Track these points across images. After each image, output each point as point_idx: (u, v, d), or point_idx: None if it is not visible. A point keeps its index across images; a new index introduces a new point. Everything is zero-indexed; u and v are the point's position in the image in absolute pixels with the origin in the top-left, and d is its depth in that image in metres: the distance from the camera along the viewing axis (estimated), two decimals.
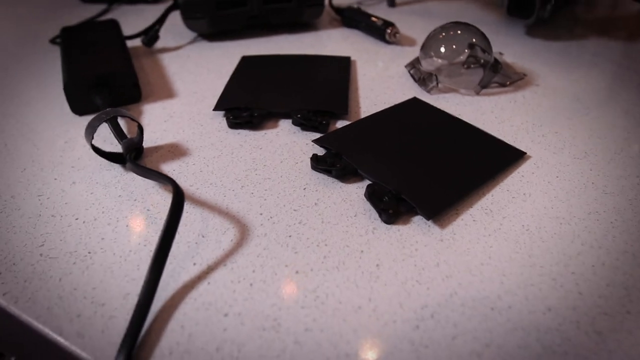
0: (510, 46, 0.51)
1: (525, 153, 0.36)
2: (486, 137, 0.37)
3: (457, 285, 0.27)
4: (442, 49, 0.42)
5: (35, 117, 0.41)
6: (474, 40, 0.41)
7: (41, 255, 0.29)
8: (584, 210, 0.31)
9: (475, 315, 0.25)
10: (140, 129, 0.36)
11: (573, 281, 0.27)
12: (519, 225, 0.30)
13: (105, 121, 0.35)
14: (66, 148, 0.38)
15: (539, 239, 0.29)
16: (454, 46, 0.41)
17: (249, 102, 0.40)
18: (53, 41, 0.52)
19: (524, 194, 0.33)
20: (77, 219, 0.31)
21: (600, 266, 0.28)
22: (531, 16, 0.50)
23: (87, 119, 0.40)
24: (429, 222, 0.30)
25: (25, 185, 0.34)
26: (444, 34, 0.42)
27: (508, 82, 0.44)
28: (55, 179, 0.34)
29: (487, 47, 0.42)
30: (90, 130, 0.34)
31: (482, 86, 0.42)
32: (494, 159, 0.35)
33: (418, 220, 0.30)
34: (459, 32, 0.42)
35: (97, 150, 0.35)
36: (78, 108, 0.41)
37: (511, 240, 0.29)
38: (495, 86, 0.44)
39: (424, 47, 0.43)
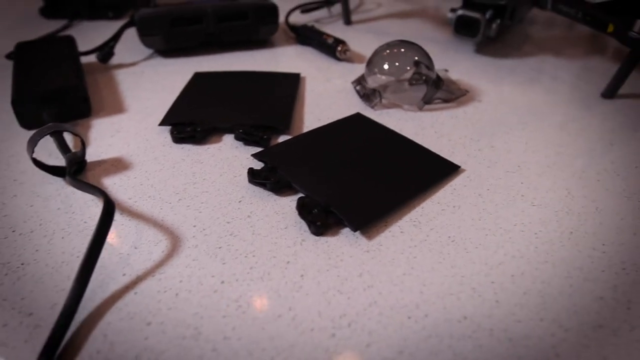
0: (458, 63, 0.53)
1: (459, 167, 0.37)
2: (423, 151, 0.38)
3: (377, 295, 0.27)
4: (386, 66, 0.43)
5: None
6: (416, 57, 0.43)
7: None
8: (510, 222, 0.33)
9: (391, 323, 0.26)
10: (83, 144, 0.36)
11: (492, 290, 0.28)
12: (445, 237, 0.31)
13: (51, 135, 0.36)
14: (11, 162, 0.38)
15: (463, 249, 0.30)
16: (397, 63, 0.43)
17: (193, 117, 0.41)
18: (9, 56, 0.52)
19: (454, 207, 0.34)
20: (13, 231, 0.31)
21: (520, 275, 0.29)
22: (476, 34, 0.51)
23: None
24: (357, 234, 0.31)
25: None
26: (388, 51, 0.44)
27: (451, 98, 0.45)
28: None
29: (430, 65, 0.43)
30: (31, 145, 0.34)
31: (425, 102, 0.44)
32: (427, 173, 0.36)
33: (346, 232, 0.31)
34: (402, 50, 0.43)
35: (38, 163, 0.35)
36: (27, 123, 0.41)
37: (435, 251, 0.30)
38: (439, 102, 0.45)
39: (369, 64, 0.44)
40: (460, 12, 0.52)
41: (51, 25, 0.62)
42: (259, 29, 0.53)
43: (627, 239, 0.31)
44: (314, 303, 0.27)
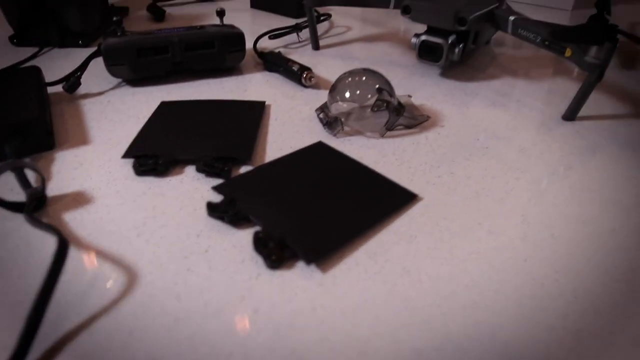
0: (423, 88, 0.54)
1: (417, 195, 0.38)
2: (381, 180, 0.39)
3: (328, 330, 0.28)
4: (348, 94, 0.44)
5: None
6: (378, 85, 0.43)
7: None
8: (466, 250, 0.33)
9: (341, 359, 0.26)
10: (43, 180, 0.36)
11: (443, 322, 0.28)
12: (399, 268, 0.32)
13: (11, 170, 0.36)
14: None
15: (417, 280, 0.31)
16: (358, 91, 0.43)
17: (156, 149, 0.41)
18: None
19: (410, 236, 0.34)
20: None
21: (472, 306, 0.29)
22: (439, 59, 0.52)
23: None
24: (312, 267, 0.31)
25: None
26: (350, 79, 0.44)
27: (413, 124, 0.46)
28: None
29: (391, 91, 0.44)
30: None
31: (387, 129, 0.44)
32: (385, 202, 0.36)
33: (301, 265, 0.31)
34: (364, 78, 0.44)
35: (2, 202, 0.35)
36: None
37: (389, 283, 0.30)
38: (401, 128, 0.46)
39: (331, 92, 0.45)
40: (423, 37, 0.53)
41: (20, 53, 0.62)
42: (225, 57, 0.54)
43: (581, 266, 0.32)
44: (266, 340, 0.27)
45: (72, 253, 0.33)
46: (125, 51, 0.50)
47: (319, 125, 0.46)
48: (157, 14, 0.72)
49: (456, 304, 0.29)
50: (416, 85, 0.55)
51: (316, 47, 0.63)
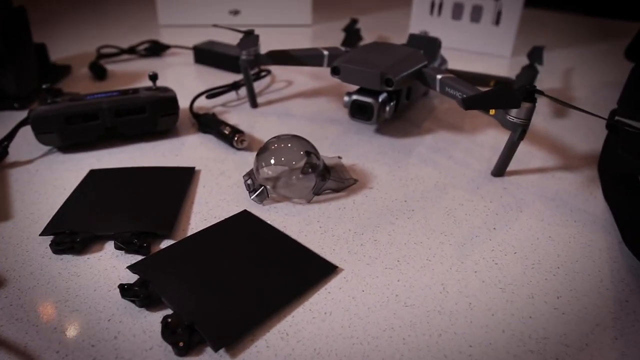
0: (356, 146, 0.54)
1: (337, 267, 0.37)
2: (303, 250, 0.38)
3: None
4: (273, 160, 0.44)
5: None
6: (306, 149, 0.43)
7: None
8: (380, 327, 0.33)
9: None
10: None
11: None
12: (310, 350, 0.31)
13: None
14: None
15: None
16: (284, 157, 0.44)
17: (75, 225, 0.40)
18: None
19: (325, 313, 0.34)
20: None
21: None
22: (371, 118, 0.53)
23: None
24: (221, 352, 0.31)
25: None
26: (275, 145, 0.44)
27: (341, 187, 0.46)
28: None
29: (316, 155, 0.44)
30: None
31: (315, 193, 0.44)
32: (304, 275, 0.36)
33: (211, 351, 0.31)
34: (289, 144, 0.44)
35: None
36: None
37: None
38: (329, 192, 0.46)
39: (258, 158, 0.45)
40: (354, 97, 0.53)
41: None
42: (158, 121, 0.54)
43: (495, 337, 0.32)
44: None
45: None
46: (53, 119, 0.50)
47: (245, 192, 0.46)
48: (99, 72, 0.72)
49: None
50: (350, 143, 0.55)
51: (254, 105, 0.63)
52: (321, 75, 0.77)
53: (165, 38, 0.96)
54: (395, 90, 0.52)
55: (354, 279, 0.37)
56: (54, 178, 0.49)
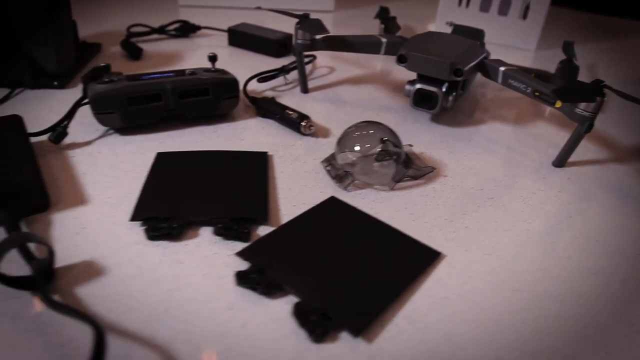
0: (418, 135, 0.55)
1: (440, 253, 0.38)
2: (403, 238, 0.39)
3: None
4: (357, 147, 0.43)
5: None
6: (385, 137, 0.43)
7: None
8: (497, 310, 0.34)
9: None
10: (51, 253, 0.33)
11: None
12: (440, 333, 0.32)
13: (19, 246, 0.33)
14: None
15: (459, 347, 0.31)
16: (368, 145, 0.43)
17: (167, 210, 0.39)
18: None
19: (442, 298, 0.34)
20: None
21: None
22: (434, 107, 0.53)
23: None
24: (357, 338, 0.31)
25: None
26: (357, 132, 0.44)
27: (419, 175, 0.46)
28: None
29: (397, 143, 0.44)
30: None
31: (396, 181, 0.45)
32: (412, 262, 0.37)
33: (345, 337, 0.31)
34: (371, 131, 0.44)
35: (5, 279, 0.32)
36: None
37: (433, 351, 0.30)
38: (408, 180, 0.46)
39: (339, 144, 0.45)
40: (418, 85, 0.54)
41: None
42: (219, 104, 0.52)
43: (604, 320, 0.33)
44: None
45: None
46: (115, 99, 0.48)
47: (326, 177, 0.46)
48: (133, 52, 0.69)
49: None
50: (411, 132, 0.55)
51: (305, 90, 0.63)
52: (362, 63, 0.77)
53: (187, 18, 0.93)
54: (456, 80, 0.53)
55: (458, 264, 0.37)
56: (120, 161, 0.47)
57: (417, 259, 0.37)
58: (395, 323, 0.32)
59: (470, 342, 0.31)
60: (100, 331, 0.27)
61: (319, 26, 0.55)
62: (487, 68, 0.53)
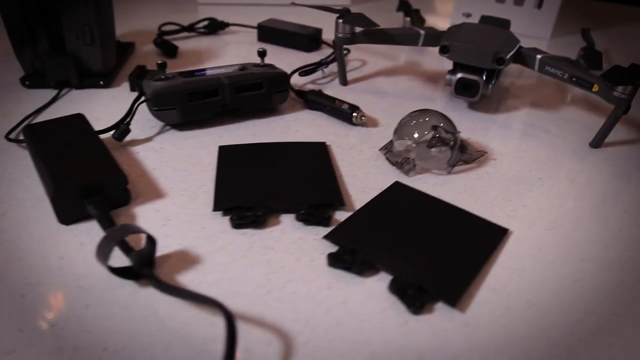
0: (459, 123, 0.57)
1: (508, 229, 0.41)
2: (470, 217, 0.41)
3: None
4: (416, 134, 0.46)
5: (18, 232, 0.39)
6: (441, 124, 0.46)
7: None
8: (572, 278, 0.36)
9: None
10: (153, 241, 0.35)
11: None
12: (523, 301, 0.34)
13: (123, 237, 0.34)
14: (64, 265, 0.36)
15: (543, 312, 0.33)
16: (424, 132, 0.46)
17: (248, 200, 0.41)
18: (11, 139, 0.49)
19: (517, 269, 0.37)
20: (105, 349, 0.30)
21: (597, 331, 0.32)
22: (476, 95, 0.56)
23: (76, 227, 0.39)
24: (450, 309, 0.33)
25: (31, 315, 0.32)
26: (413, 121, 0.47)
27: (471, 159, 0.49)
28: (64, 304, 0.33)
29: (452, 130, 0.46)
30: (106, 252, 0.33)
31: (452, 166, 0.47)
32: (484, 238, 0.39)
33: (440, 308, 0.33)
34: (426, 118, 0.47)
35: (112, 269, 0.34)
36: (67, 218, 0.39)
37: (520, 318, 0.33)
38: (461, 164, 0.49)
39: (396, 132, 0.47)
40: (459, 75, 0.56)
41: (36, 96, 0.58)
42: (272, 98, 0.54)
43: None
44: None
45: (212, 318, 0.32)
46: (176, 95, 0.49)
47: (385, 164, 0.48)
48: (168, 50, 0.70)
49: (582, 330, 0.32)
50: (452, 119, 0.58)
51: (344, 82, 0.65)
52: (390, 55, 0.79)
53: (205, 15, 0.94)
54: (493, 69, 0.56)
55: (525, 239, 0.40)
56: (185, 155, 0.48)
57: (487, 236, 0.40)
58: (480, 294, 0.35)
59: (553, 308, 0.34)
60: (229, 315, 0.29)
61: (363, 19, 0.57)
62: (524, 56, 0.56)
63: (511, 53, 0.54)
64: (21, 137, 0.50)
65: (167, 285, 0.32)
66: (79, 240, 0.38)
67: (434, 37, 0.58)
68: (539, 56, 0.55)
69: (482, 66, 0.54)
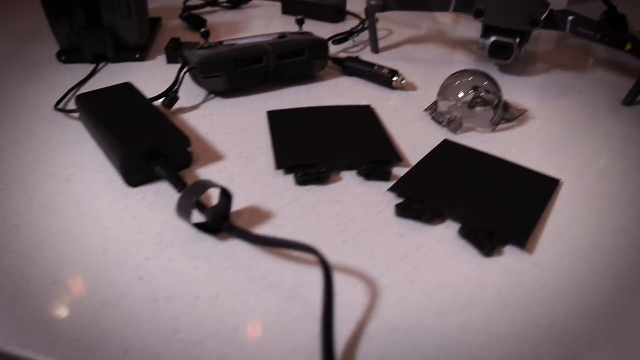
0: None
1: (560, 180, 0.42)
2: (522, 170, 0.43)
3: (560, 312, 0.31)
4: (460, 94, 0.47)
5: (85, 196, 0.39)
6: (485, 83, 0.47)
7: (182, 341, 0.28)
8: (628, 219, 0.38)
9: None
10: (228, 196, 0.36)
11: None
12: (586, 242, 0.36)
13: (202, 193, 0.35)
14: (139, 224, 0.37)
15: (605, 255, 0.35)
16: (471, 91, 0.47)
17: (309, 157, 0.42)
18: (60, 109, 0.49)
19: (576, 215, 0.39)
20: (197, 297, 0.31)
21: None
22: (510, 57, 0.57)
23: (142, 189, 0.40)
24: (518, 251, 0.35)
25: (120, 270, 0.33)
26: (458, 81, 0.48)
27: (513, 117, 0.50)
28: (147, 259, 0.34)
29: (496, 90, 0.48)
30: (187, 210, 0.34)
31: (495, 124, 0.49)
32: (538, 188, 0.41)
33: (508, 250, 0.35)
34: (470, 78, 0.48)
35: (196, 225, 0.35)
36: (134, 180, 0.40)
37: (585, 258, 0.35)
38: (504, 122, 0.50)
39: (441, 93, 0.48)
40: (493, 38, 0.57)
41: (74, 71, 0.58)
42: (313, 64, 0.55)
43: None
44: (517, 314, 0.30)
45: (294, 266, 0.33)
46: (222, 63, 0.50)
47: (431, 124, 0.50)
48: (197, 23, 0.71)
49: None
50: None
51: (376, 50, 0.66)
52: (414, 24, 0.80)
53: None
54: (525, 31, 0.57)
55: (577, 188, 0.42)
56: (235, 121, 0.49)
57: (541, 186, 0.41)
58: (544, 238, 0.36)
59: (615, 250, 0.36)
60: (327, 267, 0.30)
61: None
62: (555, 18, 0.57)
63: (545, 14, 0.55)
64: (69, 108, 0.51)
65: (254, 236, 0.34)
66: (149, 201, 0.39)
67: (464, 2, 0.59)
68: (570, 17, 0.56)
69: (517, 28, 0.56)
